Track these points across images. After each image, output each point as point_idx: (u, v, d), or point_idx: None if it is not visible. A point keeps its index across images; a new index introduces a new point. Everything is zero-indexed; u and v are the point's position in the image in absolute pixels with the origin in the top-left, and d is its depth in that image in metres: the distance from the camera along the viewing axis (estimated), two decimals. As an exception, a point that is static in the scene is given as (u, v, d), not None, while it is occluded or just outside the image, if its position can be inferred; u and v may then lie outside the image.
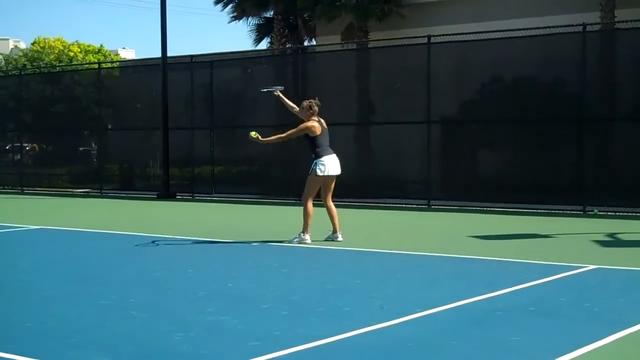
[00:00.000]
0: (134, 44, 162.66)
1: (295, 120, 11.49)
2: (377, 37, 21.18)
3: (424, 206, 15.99)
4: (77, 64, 37.00)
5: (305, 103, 11.23)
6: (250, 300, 7.31)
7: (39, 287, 8.12)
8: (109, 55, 50.84)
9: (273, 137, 11.39)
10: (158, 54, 19.93)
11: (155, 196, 19.69)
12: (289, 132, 11.22)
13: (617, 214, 14.07)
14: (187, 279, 8.52)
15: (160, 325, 6.33)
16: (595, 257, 9.45)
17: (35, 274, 8.89)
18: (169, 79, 19.64)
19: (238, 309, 6.92)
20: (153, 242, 11.38)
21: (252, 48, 27.32)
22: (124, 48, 73.86)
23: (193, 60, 20.16)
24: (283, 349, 5.54)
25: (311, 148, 11.11)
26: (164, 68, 19.58)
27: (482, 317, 6.58)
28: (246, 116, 19.52)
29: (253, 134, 11.04)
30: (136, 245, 11.11)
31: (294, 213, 15.85)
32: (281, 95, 11.62)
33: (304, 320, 6.52)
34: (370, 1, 22.33)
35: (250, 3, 25.76)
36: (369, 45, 20.26)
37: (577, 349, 5.50)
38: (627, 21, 15.14)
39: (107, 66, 26.53)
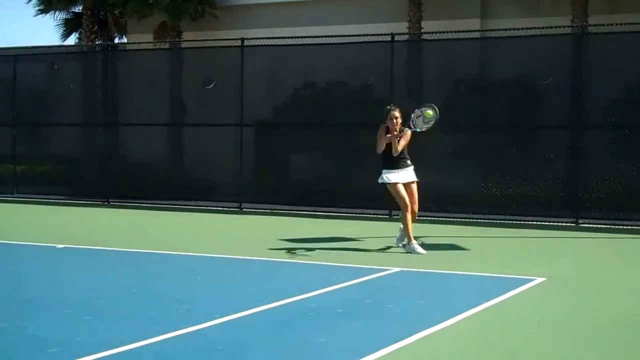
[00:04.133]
0: None
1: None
2: (191, 37, 20.98)
3: (236, 209, 15.97)
4: None
5: (401, 114, 10.52)
6: (51, 305, 7.01)
7: None
8: None
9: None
10: (-44, 46, 18.82)
11: (-50, 196, 18.56)
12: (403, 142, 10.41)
13: (420, 218, 14.54)
14: (-18, 284, 8.06)
15: (-50, 334, 5.94)
16: (399, 260, 9.77)
17: None
18: (-32, 72, 18.58)
19: (37, 315, 6.61)
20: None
21: (60, 43, 26.33)
22: None
23: (-5, 54, 19.19)
24: (85, 355, 5.35)
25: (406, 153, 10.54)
26: (-38, 60, 18.51)
27: (291, 319, 6.63)
28: (51, 113, 18.77)
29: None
30: None
31: (102, 215, 15.43)
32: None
33: (108, 325, 6.32)
34: (183, 1, 22.08)
35: (57, -4, 24.80)
36: (182, 46, 20.03)
37: (381, 348, 5.64)
38: (432, 32, 15.78)
39: None
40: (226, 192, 16.63)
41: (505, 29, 14.94)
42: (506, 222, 13.70)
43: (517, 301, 7.49)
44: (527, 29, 14.21)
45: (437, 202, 14.51)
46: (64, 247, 10.65)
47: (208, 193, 16.73)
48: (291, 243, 11.26)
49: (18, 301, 7.20)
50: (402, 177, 10.50)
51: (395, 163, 10.50)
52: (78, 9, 25.98)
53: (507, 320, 6.73)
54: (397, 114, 10.49)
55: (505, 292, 7.73)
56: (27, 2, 25.43)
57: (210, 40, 18.08)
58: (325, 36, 15.99)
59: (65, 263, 9.57)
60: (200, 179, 16.98)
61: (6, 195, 18.32)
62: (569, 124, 13.90)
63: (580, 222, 13.43)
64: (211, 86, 16.61)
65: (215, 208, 16.12)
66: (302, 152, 16.40)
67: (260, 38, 16.56)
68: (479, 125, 14.48)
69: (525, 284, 8.21)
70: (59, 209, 16.35)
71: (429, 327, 6.30)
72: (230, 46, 16.54)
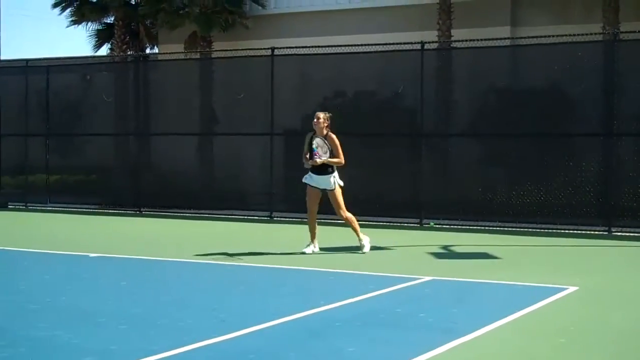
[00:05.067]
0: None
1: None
2: (221, 47, 21.10)
3: (266, 218, 16.01)
4: None
5: (325, 117, 11.31)
6: (86, 314, 7.07)
7: None
8: (-63, 56, 48.21)
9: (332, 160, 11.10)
10: (-9, 57, 19.09)
11: (-15, 205, 18.80)
12: (339, 155, 11.13)
13: (451, 226, 14.56)
14: (18, 292, 8.16)
15: (-13, 342, 6.02)
16: (430, 269, 9.75)
17: None
18: (2, 83, 18.84)
19: (73, 323, 6.68)
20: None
21: (92, 54, 26.58)
22: (-46, 50, 70.26)
23: (28, 65, 19.42)
24: (119, 364, 5.39)
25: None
26: (-4, 71, 18.76)
27: (321, 328, 6.64)
28: (84, 124, 18.96)
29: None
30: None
31: (132, 224, 15.54)
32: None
33: (142, 333, 6.36)
34: (213, 11, 22.23)
35: (89, 7, 25.06)
36: (213, 55, 20.16)
37: (412, 358, 5.63)
38: (462, 40, 15.73)
39: None
40: (257, 201, 16.70)
41: (536, 37, 14.87)
42: (538, 230, 13.62)
43: (550, 310, 7.45)
44: (558, 36, 14.13)
45: (468, 210, 14.49)
46: (97, 256, 10.75)
47: (239, 202, 16.80)
48: (321, 252, 11.27)
49: (52, 310, 7.27)
50: (315, 181, 11.21)
51: (315, 168, 11.20)
52: (110, 20, 26.23)
53: (539, 329, 6.70)
54: (319, 114, 11.31)
55: (537, 301, 7.69)
56: (60, 14, 25.71)
57: (241, 50, 18.17)
58: (355, 45, 16.01)
59: (98, 272, 9.64)
60: (231, 188, 17.06)
61: (39, 205, 18.53)
62: (601, 132, 13.80)
63: (613, 230, 13.31)
64: (241, 96, 16.68)
65: (246, 217, 16.19)
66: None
67: (290, 47, 16.62)
68: (510, 133, 14.42)
69: (557, 293, 8.16)
70: (92, 219, 16.49)
71: (460, 336, 6.28)
72: (261, 55, 16.61)
